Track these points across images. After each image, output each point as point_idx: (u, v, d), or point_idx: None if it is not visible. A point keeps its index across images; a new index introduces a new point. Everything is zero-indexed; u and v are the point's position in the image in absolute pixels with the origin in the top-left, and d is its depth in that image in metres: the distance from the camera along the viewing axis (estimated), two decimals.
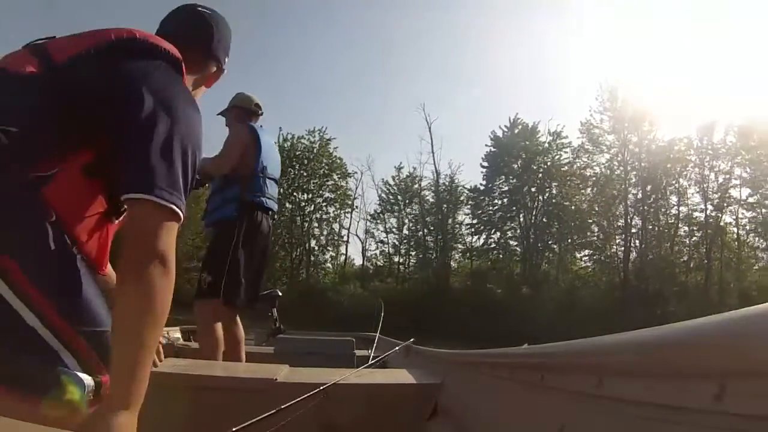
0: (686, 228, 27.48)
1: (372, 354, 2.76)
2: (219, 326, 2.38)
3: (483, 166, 28.44)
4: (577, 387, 0.76)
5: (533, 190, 27.87)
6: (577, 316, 20.75)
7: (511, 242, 28.19)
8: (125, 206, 0.85)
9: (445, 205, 27.98)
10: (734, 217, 27.27)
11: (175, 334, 3.14)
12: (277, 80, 40.76)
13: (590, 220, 27.63)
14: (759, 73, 32.03)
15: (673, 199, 27.74)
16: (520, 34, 45.89)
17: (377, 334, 3.24)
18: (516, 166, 27.89)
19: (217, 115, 2.73)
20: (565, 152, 27.92)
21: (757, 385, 0.42)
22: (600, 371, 0.70)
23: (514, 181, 27.97)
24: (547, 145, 27.89)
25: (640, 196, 27.44)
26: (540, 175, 27.79)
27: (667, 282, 25.59)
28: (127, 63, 0.89)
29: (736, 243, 27.15)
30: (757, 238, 27.54)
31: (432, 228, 28.35)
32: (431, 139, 27.79)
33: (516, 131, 27.87)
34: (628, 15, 39.83)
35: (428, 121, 27.74)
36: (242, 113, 2.70)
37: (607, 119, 27.44)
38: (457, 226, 28.59)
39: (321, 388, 1.36)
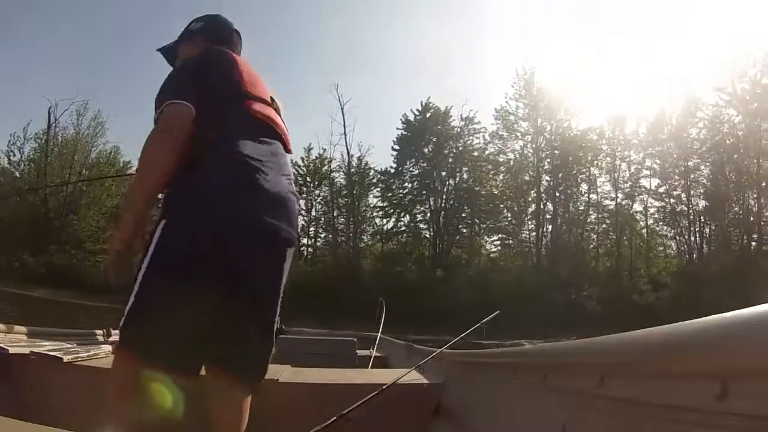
0: (596, 215, 27.99)
1: (373, 354, 2.81)
2: None
3: (394, 149, 28.49)
4: (579, 387, 0.76)
5: (444, 174, 27.97)
6: (491, 299, 20.55)
7: (421, 225, 28.18)
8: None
9: (356, 187, 27.62)
10: (644, 206, 28.01)
11: None
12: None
13: (502, 205, 27.83)
14: (671, 69, 33.37)
15: (584, 186, 28.34)
16: (440, 17, 45.72)
17: (379, 334, 3.28)
18: (427, 150, 28.02)
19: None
20: (477, 138, 28.21)
21: (761, 385, 0.42)
22: (602, 371, 0.71)
23: (425, 164, 28.07)
24: (458, 130, 28.12)
25: (552, 183, 27.86)
26: (451, 159, 27.92)
27: (580, 267, 25.84)
28: None
29: (646, 231, 27.78)
30: (665, 227, 28.31)
31: (343, 210, 27.99)
32: (344, 120, 27.55)
33: (428, 115, 28.03)
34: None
35: (341, 102, 27.48)
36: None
37: (523, 106, 28.01)
38: (368, 208, 28.45)
39: (323, 388, 1.50)
